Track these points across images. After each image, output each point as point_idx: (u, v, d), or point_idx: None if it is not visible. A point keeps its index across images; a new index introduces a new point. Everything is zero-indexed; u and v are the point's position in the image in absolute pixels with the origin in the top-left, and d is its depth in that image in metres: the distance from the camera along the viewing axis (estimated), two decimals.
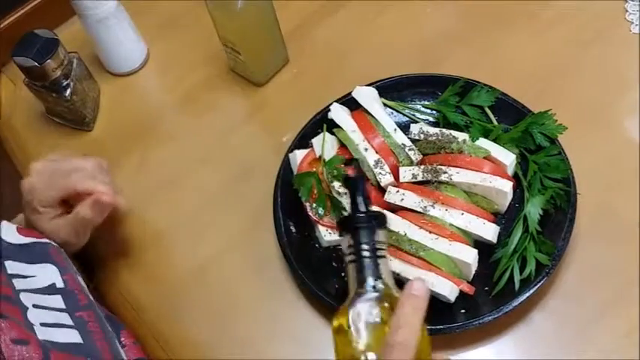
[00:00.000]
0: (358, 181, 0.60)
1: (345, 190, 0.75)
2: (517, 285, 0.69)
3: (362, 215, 0.58)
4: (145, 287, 0.79)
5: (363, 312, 0.53)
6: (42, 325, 0.58)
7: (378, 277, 0.55)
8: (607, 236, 0.73)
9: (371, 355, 0.51)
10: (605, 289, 0.71)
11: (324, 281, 0.73)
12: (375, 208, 0.68)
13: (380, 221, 0.58)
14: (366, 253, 0.56)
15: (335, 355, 0.54)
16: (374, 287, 0.55)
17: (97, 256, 0.81)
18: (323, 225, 0.75)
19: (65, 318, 0.62)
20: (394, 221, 0.71)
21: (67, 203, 0.72)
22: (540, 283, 0.68)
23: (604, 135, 0.79)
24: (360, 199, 0.59)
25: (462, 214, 0.71)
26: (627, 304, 0.70)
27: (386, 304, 0.54)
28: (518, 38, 0.89)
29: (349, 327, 0.53)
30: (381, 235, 0.57)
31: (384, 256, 0.57)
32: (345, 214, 0.73)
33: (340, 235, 0.59)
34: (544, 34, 0.88)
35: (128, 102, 0.94)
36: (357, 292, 0.55)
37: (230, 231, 0.81)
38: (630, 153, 0.77)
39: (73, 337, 0.58)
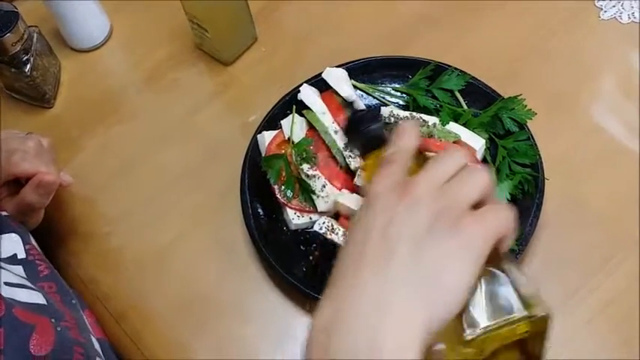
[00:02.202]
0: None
1: (315, 173, 0.74)
2: None
3: None
4: (105, 270, 0.77)
5: None
6: (6, 284, 0.56)
7: None
8: (574, 223, 0.73)
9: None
10: (569, 276, 0.71)
11: (292, 264, 0.72)
12: None
13: None
14: None
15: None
16: None
17: (55, 236, 0.79)
18: (291, 208, 0.74)
19: (28, 284, 0.60)
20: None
21: (19, 182, 0.70)
22: None
23: (572, 121, 0.80)
24: None
25: None
26: (590, 292, 0.70)
27: None
28: (489, 23, 0.88)
29: None
30: None
31: None
32: (315, 196, 0.73)
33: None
34: (514, 19, 0.88)
35: (90, 79, 0.92)
36: None
37: (195, 214, 0.79)
38: (597, 139, 0.78)
39: (37, 298, 0.57)
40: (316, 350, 0.42)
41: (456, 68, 0.79)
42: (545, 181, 0.72)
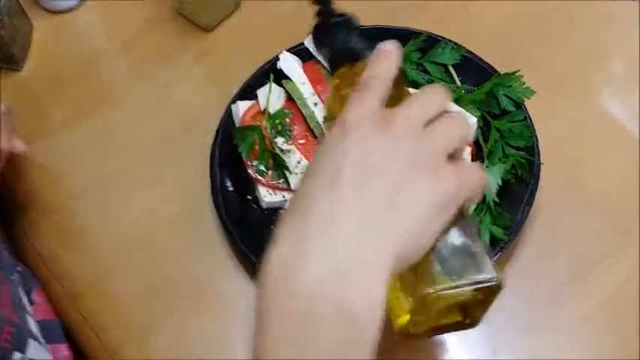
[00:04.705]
0: None
1: (290, 147, 0.68)
2: None
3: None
4: (65, 246, 0.72)
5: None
6: None
7: None
8: (570, 212, 0.68)
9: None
10: (564, 268, 0.65)
11: (262, 245, 0.66)
12: None
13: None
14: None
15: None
16: None
17: (16, 206, 0.74)
18: (263, 185, 0.69)
19: None
20: None
21: None
22: (494, 259, 0.62)
23: (574, 103, 0.73)
24: None
25: None
26: (587, 286, 0.65)
27: None
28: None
29: None
30: None
31: None
32: (289, 172, 0.67)
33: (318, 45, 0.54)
34: None
35: (63, 43, 0.86)
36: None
37: (164, 189, 0.73)
38: (600, 123, 0.72)
39: None
40: (271, 288, 0.38)
41: (450, 41, 0.73)
42: (541, 165, 0.66)
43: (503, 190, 0.66)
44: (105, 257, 0.70)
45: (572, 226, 0.67)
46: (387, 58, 0.46)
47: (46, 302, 0.64)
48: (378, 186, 0.39)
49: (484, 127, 0.69)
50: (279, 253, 0.39)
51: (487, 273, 0.42)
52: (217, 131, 0.71)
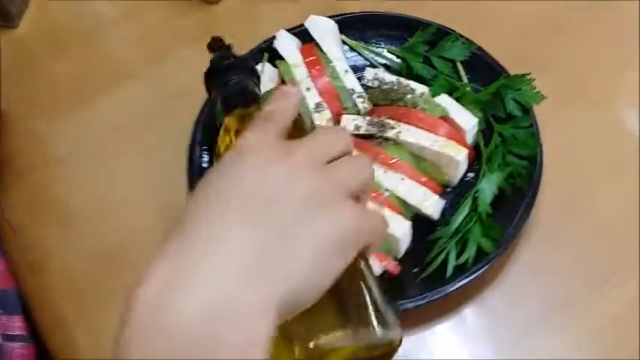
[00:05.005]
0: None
1: None
2: (449, 271, 0.58)
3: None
4: (35, 214, 0.69)
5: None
6: None
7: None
8: (569, 232, 0.62)
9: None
10: (555, 291, 0.60)
11: None
12: None
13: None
14: None
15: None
16: None
17: None
18: None
19: None
20: None
21: None
22: (477, 273, 0.57)
23: (587, 115, 0.68)
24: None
25: (403, 179, 0.60)
26: (578, 313, 0.59)
27: None
28: None
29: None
30: None
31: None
32: None
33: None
34: None
35: (63, 1, 0.83)
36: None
37: (143, 162, 0.70)
38: (613, 140, 0.66)
39: None
40: (137, 318, 0.32)
41: (461, 35, 0.68)
42: (542, 178, 0.61)
43: (499, 200, 0.61)
44: (72, 229, 0.67)
45: (570, 248, 0.62)
46: (288, 97, 0.43)
47: (6, 271, 0.61)
48: (272, 217, 0.35)
49: (486, 131, 0.64)
50: (153, 281, 0.33)
51: (387, 328, 0.38)
52: (203, 106, 0.67)
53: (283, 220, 0.35)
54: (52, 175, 0.71)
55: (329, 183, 0.37)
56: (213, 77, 0.51)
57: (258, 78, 0.51)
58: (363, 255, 0.39)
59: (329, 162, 0.39)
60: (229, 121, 0.47)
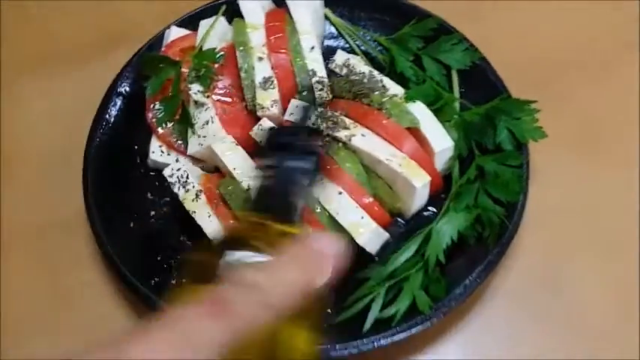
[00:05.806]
0: None
1: (206, 101, 0.51)
2: (367, 325, 0.45)
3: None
4: None
5: None
6: None
7: None
8: (535, 310, 0.49)
9: None
10: None
11: (137, 210, 0.51)
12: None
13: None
14: None
15: None
16: None
17: None
18: (158, 137, 0.52)
19: None
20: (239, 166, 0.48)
21: None
22: (401, 335, 0.44)
23: (592, 169, 0.54)
24: None
25: (340, 193, 0.47)
26: None
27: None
28: (542, 5, 0.62)
29: None
30: None
31: None
32: (192, 131, 0.51)
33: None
34: (577, 11, 0.62)
35: None
36: None
37: (69, 96, 0.62)
38: (617, 209, 0.52)
39: None
40: None
41: (466, 39, 0.55)
42: (517, 234, 0.47)
43: (456, 249, 0.47)
44: None
45: (532, 332, 0.48)
46: (309, 272, 0.31)
47: None
48: None
49: (466, 160, 0.51)
50: None
51: None
52: (134, 54, 0.55)
53: None
54: None
55: None
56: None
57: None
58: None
59: None
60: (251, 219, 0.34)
